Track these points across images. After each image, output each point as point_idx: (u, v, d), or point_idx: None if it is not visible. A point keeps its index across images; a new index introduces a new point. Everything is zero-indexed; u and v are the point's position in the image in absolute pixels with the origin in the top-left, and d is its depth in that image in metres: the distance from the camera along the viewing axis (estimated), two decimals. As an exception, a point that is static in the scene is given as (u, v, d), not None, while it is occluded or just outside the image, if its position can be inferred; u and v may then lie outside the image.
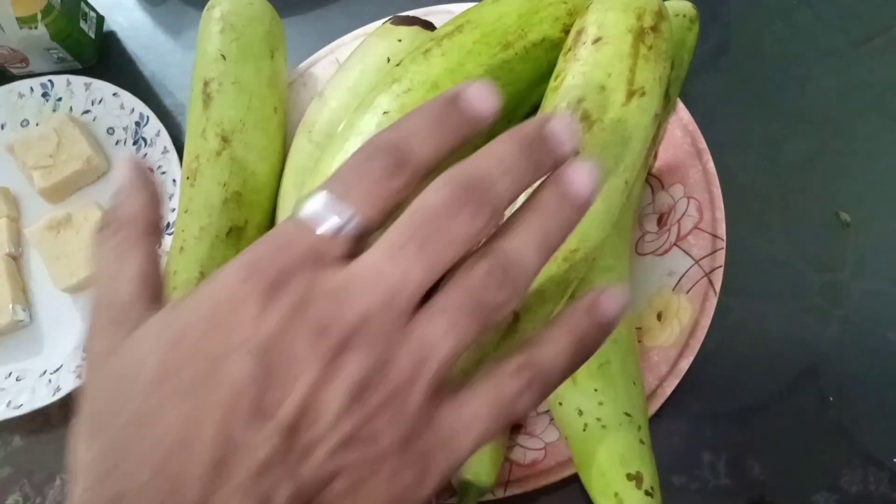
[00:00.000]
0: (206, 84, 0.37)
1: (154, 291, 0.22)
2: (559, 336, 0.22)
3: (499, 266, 0.21)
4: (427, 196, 0.20)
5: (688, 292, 0.35)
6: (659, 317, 0.35)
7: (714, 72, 0.44)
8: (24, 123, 0.49)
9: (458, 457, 0.21)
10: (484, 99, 0.22)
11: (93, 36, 0.52)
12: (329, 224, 0.20)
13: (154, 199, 0.24)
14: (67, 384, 0.40)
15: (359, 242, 0.21)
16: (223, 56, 0.38)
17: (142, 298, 0.22)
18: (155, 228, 0.23)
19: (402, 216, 0.20)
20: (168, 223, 0.43)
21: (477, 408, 0.21)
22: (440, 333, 0.20)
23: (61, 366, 0.41)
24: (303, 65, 0.44)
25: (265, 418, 0.19)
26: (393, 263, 0.20)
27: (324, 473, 0.19)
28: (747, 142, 0.42)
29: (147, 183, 0.24)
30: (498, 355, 0.22)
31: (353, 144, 0.32)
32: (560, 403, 0.31)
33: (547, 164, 0.22)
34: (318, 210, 0.20)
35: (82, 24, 0.50)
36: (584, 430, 0.29)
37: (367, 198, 0.20)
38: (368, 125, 0.32)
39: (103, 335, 0.21)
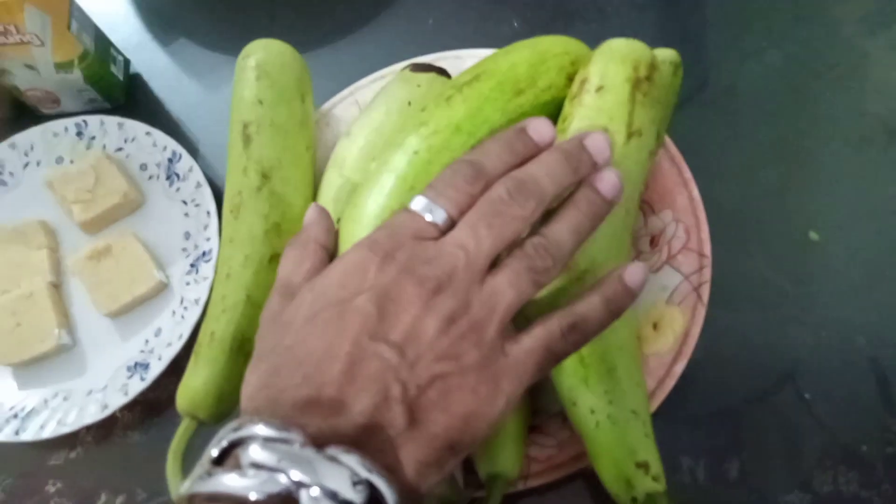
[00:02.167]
0: (245, 126, 0.41)
1: None
2: (596, 297, 0.30)
3: (543, 244, 0.29)
4: (493, 191, 0.30)
5: (679, 304, 0.39)
6: (654, 326, 0.39)
7: (695, 107, 0.49)
8: (59, 160, 0.52)
9: (521, 381, 0.28)
10: (544, 131, 0.32)
11: (121, 78, 0.55)
12: (427, 216, 0.29)
13: (331, 229, 0.35)
14: (115, 402, 0.43)
15: (448, 227, 0.30)
16: (260, 101, 0.42)
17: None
18: (327, 248, 0.33)
19: (476, 205, 0.29)
20: (204, 251, 0.46)
21: (533, 343, 0.28)
22: (505, 286, 0.28)
23: (106, 385, 0.45)
24: (325, 106, 0.48)
25: (383, 339, 0.26)
26: (471, 237, 0.28)
27: (424, 379, 0.26)
28: (726, 170, 0.47)
29: (327, 218, 0.35)
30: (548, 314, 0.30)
31: (388, 180, 0.36)
32: (574, 404, 0.35)
33: (583, 170, 0.31)
34: (419, 206, 0.30)
35: (112, 68, 0.54)
36: (597, 426, 0.34)
37: (453, 200, 0.30)
38: (400, 163, 0.36)
39: (276, 300, 0.31)
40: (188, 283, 0.46)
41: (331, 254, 0.33)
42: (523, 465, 0.37)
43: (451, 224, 0.29)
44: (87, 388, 0.45)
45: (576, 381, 0.35)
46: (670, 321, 0.39)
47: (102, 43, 0.53)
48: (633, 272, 0.31)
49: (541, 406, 0.39)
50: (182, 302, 0.46)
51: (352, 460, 0.23)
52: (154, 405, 0.46)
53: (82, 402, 0.44)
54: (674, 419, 0.39)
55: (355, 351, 0.26)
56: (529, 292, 0.29)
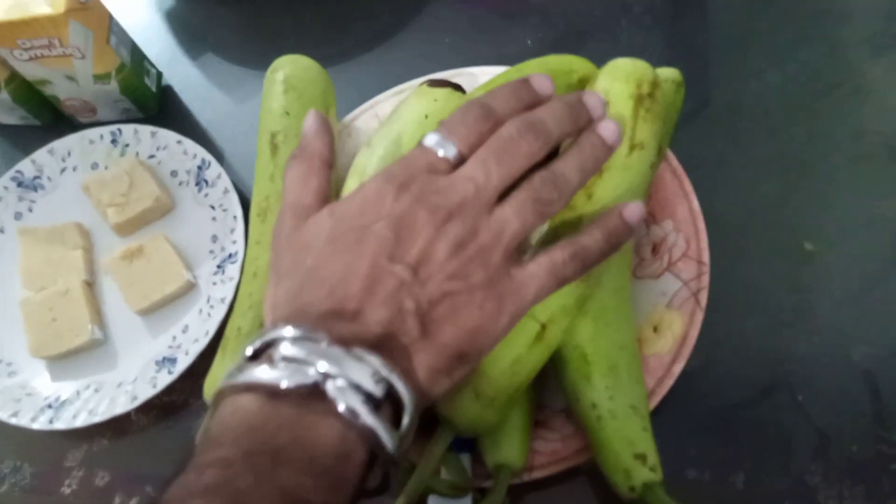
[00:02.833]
0: (272, 136, 0.44)
1: (325, 203, 0.33)
2: (596, 229, 0.33)
3: (550, 177, 0.32)
4: (503, 129, 0.32)
5: (678, 309, 0.41)
6: (655, 329, 0.41)
7: (698, 124, 0.51)
8: (94, 166, 0.55)
9: (524, 301, 0.31)
10: (544, 83, 0.35)
11: (154, 89, 0.59)
12: (439, 151, 0.32)
13: (331, 143, 0.35)
14: (144, 393, 0.46)
15: (459, 162, 0.32)
16: (287, 112, 0.45)
17: (317, 205, 0.33)
18: (329, 163, 0.34)
19: (487, 142, 0.32)
20: (230, 253, 0.49)
21: (536, 269, 0.31)
22: (512, 215, 0.31)
23: (136, 378, 0.47)
24: (347, 118, 0.51)
25: (399, 261, 0.29)
26: (481, 170, 0.31)
27: (435, 295, 0.29)
28: (726, 183, 0.49)
29: (328, 131, 0.35)
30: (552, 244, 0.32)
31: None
32: (577, 400, 0.37)
33: (582, 121, 0.34)
34: (432, 142, 0.32)
35: (146, 80, 0.57)
36: (598, 420, 0.36)
37: (464, 137, 0.32)
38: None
39: (290, 221, 0.32)
40: (215, 283, 0.49)
41: (332, 166, 0.35)
42: (528, 458, 0.39)
43: (462, 159, 0.32)
44: (117, 381, 0.48)
45: (579, 378, 0.37)
46: (670, 324, 0.41)
47: (137, 56, 0.57)
48: (632, 209, 0.34)
49: (545, 402, 0.41)
50: (209, 301, 0.49)
51: (374, 360, 0.26)
52: (170, 408, 0.48)
53: (113, 394, 0.47)
54: (672, 419, 0.41)
55: (373, 271, 0.29)
56: (534, 222, 0.31)
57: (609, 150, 0.34)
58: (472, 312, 0.29)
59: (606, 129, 0.34)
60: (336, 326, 0.27)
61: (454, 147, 0.32)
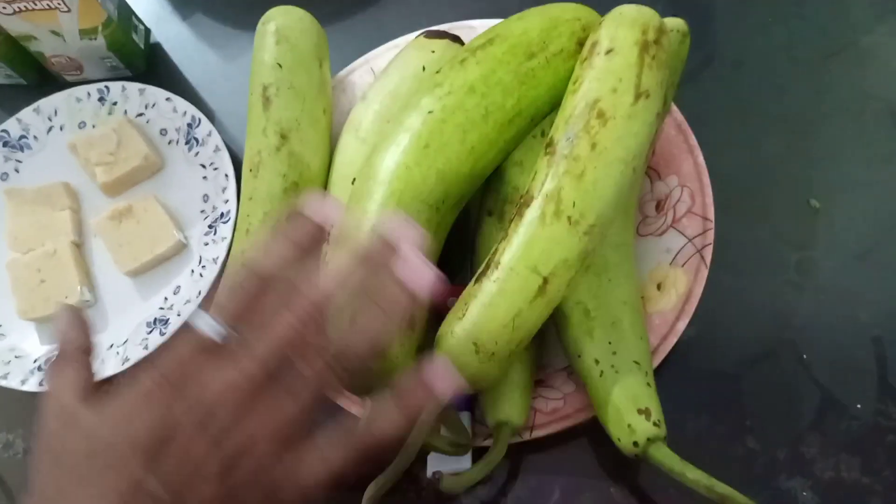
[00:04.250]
0: (265, 88, 0.43)
1: (87, 396, 0.29)
2: (393, 407, 0.28)
3: (330, 356, 0.28)
4: (281, 313, 0.28)
5: (683, 266, 0.40)
6: (658, 287, 0.41)
7: (702, 79, 0.50)
8: (82, 125, 0.54)
9: (305, 497, 0.27)
10: (323, 210, 0.30)
11: (142, 46, 0.57)
12: (208, 334, 0.28)
13: (86, 330, 0.32)
14: (135, 355, 0.45)
15: (232, 340, 0.28)
16: (279, 64, 0.43)
17: (76, 402, 0.28)
18: (88, 350, 0.31)
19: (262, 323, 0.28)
20: (222, 213, 0.48)
21: (319, 466, 0.27)
22: (287, 403, 0.27)
23: (127, 339, 0.46)
24: (342, 73, 0.49)
25: (157, 479, 0.25)
26: (249, 359, 0.27)
27: None
28: (731, 140, 0.48)
29: (80, 320, 0.32)
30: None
31: (403, 138, 0.37)
32: (579, 356, 0.36)
33: (382, 265, 0.29)
34: (201, 325, 0.28)
35: (134, 36, 0.56)
36: (601, 375, 0.35)
37: (234, 314, 0.28)
38: (415, 122, 0.38)
39: (50, 423, 0.28)
40: (206, 244, 0.48)
41: (91, 352, 0.32)
42: (529, 417, 0.38)
43: (235, 338, 0.28)
44: (108, 343, 0.47)
45: (581, 333, 0.36)
46: (674, 282, 0.40)
47: (125, 11, 0.55)
48: (440, 374, 0.29)
49: (546, 361, 0.41)
50: (200, 261, 0.48)
51: None
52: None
53: (103, 356, 0.46)
54: (675, 378, 0.40)
55: (129, 490, 0.25)
56: (311, 406, 0.28)
57: (414, 299, 0.29)
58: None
59: (410, 277, 0.29)
60: None
61: (223, 327, 0.28)
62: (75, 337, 0.31)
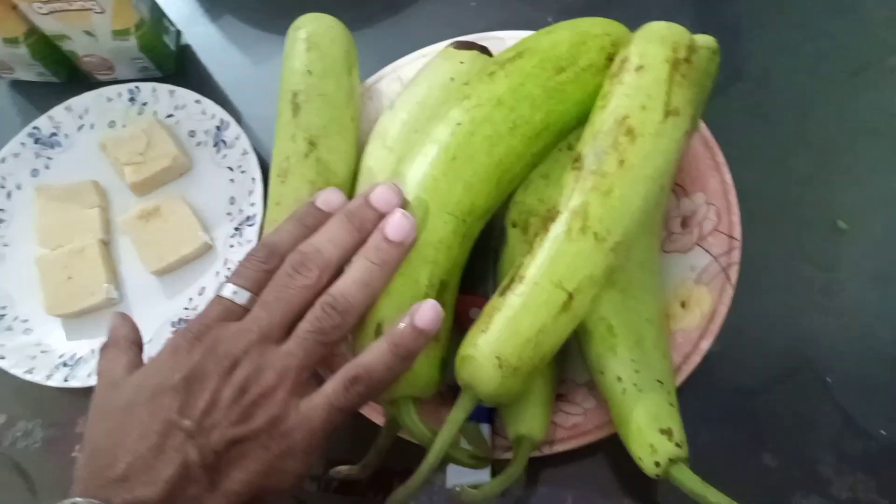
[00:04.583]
0: (294, 95, 0.43)
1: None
2: (383, 342, 0.33)
3: (330, 302, 0.33)
4: (280, 269, 0.34)
5: (708, 284, 0.40)
6: (683, 304, 0.40)
7: (729, 97, 0.50)
8: (112, 124, 0.54)
9: (312, 434, 0.31)
10: (331, 199, 0.37)
11: (173, 48, 0.57)
12: (232, 299, 0.34)
13: (135, 327, 0.38)
14: (158, 354, 0.45)
15: (252, 304, 0.34)
16: (309, 71, 0.44)
17: (126, 376, 0.34)
18: (138, 345, 0.37)
19: (270, 282, 0.34)
20: (248, 216, 0.48)
21: (320, 401, 0.32)
22: (296, 348, 0.32)
23: (151, 339, 0.47)
24: (369, 80, 0.50)
25: (187, 413, 0.31)
26: (264, 311, 0.33)
27: (220, 444, 0.30)
28: (757, 158, 0.48)
29: (131, 323, 0.38)
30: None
31: (431, 149, 0.37)
32: (602, 373, 0.36)
33: (368, 225, 0.35)
34: (226, 292, 0.34)
35: (165, 38, 0.56)
36: (623, 393, 0.35)
37: (252, 280, 0.34)
38: (443, 134, 0.38)
39: (102, 393, 0.34)
40: (232, 246, 0.48)
41: (140, 346, 0.37)
42: (549, 431, 0.38)
43: (255, 301, 0.34)
44: (132, 341, 0.47)
45: (604, 350, 0.36)
46: (698, 300, 0.40)
47: (157, 13, 0.56)
48: (425, 312, 0.33)
49: (567, 375, 0.41)
50: (226, 263, 0.48)
51: None
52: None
53: (128, 354, 0.46)
54: (697, 394, 0.40)
55: (163, 428, 0.30)
56: (319, 351, 0.33)
57: (399, 248, 0.34)
58: (259, 455, 0.31)
59: (392, 227, 0.34)
60: (120, 494, 0.29)
61: (244, 291, 0.34)
62: (126, 332, 0.37)
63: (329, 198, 0.37)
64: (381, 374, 0.33)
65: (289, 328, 0.33)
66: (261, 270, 0.34)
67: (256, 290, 0.34)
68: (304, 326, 0.33)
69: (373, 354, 0.33)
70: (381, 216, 0.35)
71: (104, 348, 0.36)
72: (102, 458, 0.30)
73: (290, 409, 0.31)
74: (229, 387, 0.31)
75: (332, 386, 0.32)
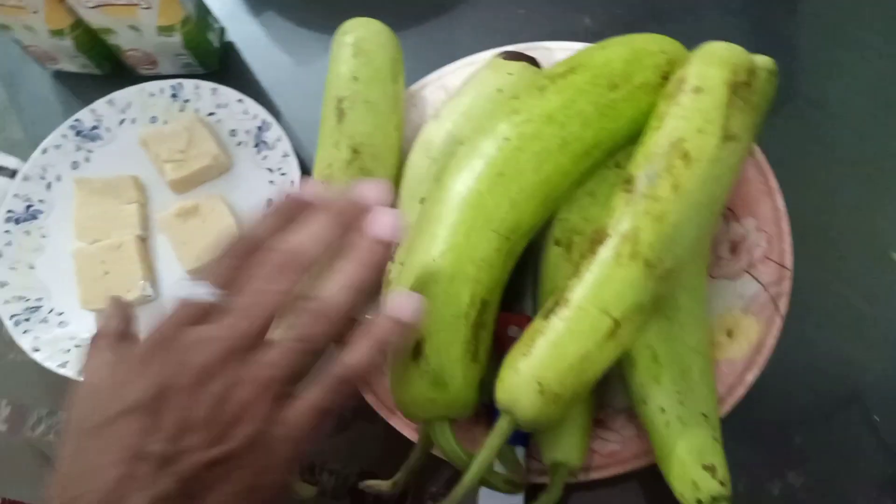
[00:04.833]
0: (339, 101, 0.43)
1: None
2: (364, 339, 0.31)
3: (314, 308, 0.30)
4: (259, 270, 0.31)
5: (756, 314, 0.39)
6: (728, 333, 0.39)
7: (781, 118, 0.48)
8: (153, 120, 0.54)
9: (298, 443, 0.29)
10: (312, 191, 0.33)
11: (217, 45, 0.57)
12: (200, 300, 0.30)
13: (130, 314, 0.34)
14: (191, 355, 0.45)
15: (225, 305, 0.30)
16: (355, 77, 0.43)
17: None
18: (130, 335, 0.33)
19: (246, 286, 0.30)
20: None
21: (304, 406, 0.29)
22: (277, 357, 0.29)
23: (184, 338, 0.47)
24: (413, 87, 0.49)
25: (157, 436, 0.27)
26: (239, 316, 0.29)
27: (197, 467, 0.27)
28: (808, 182, 0.46)
29: (122, 306, 0.34)
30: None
31: (477, 164, 0.37)
32: (644, 402, 0.35)
33: (352, 223, 0.32)
34: (193, 293, 0.30)
35: (209, 35, 0.56)
36: (667, 426, 0.34)
37: (226, 280, 0.31)
38: (490, 148, 0.37)
39: (80, 405, 0.30)
40: (268, 249, 0.48)
41: (134, 340, 0.33)
42: (586, 458, 0.37)
43: (228, 302, 0.30)
44: (165, 340, 0.47)
45: (648, 379, 0.35)
46: (745, 330, 0.39)
47: (202, 10, 0.55)
48: (402, 303, 0.32)
49: (606, 401, 0.40)
50: (261, 266, 0.48)
51: None
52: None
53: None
54: (739, 427, 0.39)
55: (129, 456, 0.27)
56: (301, 360, 0.30)
57: (388, 246, 0.32)
58: (242, 474, 0.28)
59: (379, 226, 0.32)
60: None
61: (219, 291, 0.30)
62: (116, 322, 0.33)
63: (313, 191, 0.34)
64: (366, 371, 0.31)
65: (265, 335, 0.30)
66: (237, 269, 0.31)
67: (232, 289, 0.30)
68: (289, 334, 0.30)
69: (358, 353, 0.31)
70: (365, 213, 0.32)
71: (92, 342, 0.32)
72: (72, 487, 0.27)
73: (271, 424, 0.28)
74: (202, 402, 0.28)
75: (320, 389, 0.30)
